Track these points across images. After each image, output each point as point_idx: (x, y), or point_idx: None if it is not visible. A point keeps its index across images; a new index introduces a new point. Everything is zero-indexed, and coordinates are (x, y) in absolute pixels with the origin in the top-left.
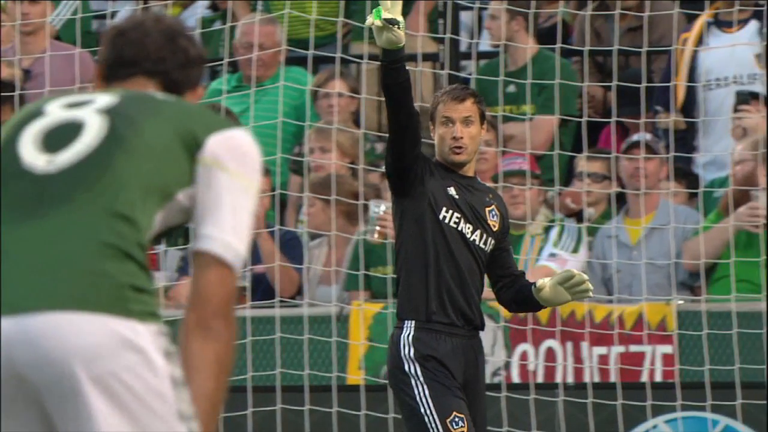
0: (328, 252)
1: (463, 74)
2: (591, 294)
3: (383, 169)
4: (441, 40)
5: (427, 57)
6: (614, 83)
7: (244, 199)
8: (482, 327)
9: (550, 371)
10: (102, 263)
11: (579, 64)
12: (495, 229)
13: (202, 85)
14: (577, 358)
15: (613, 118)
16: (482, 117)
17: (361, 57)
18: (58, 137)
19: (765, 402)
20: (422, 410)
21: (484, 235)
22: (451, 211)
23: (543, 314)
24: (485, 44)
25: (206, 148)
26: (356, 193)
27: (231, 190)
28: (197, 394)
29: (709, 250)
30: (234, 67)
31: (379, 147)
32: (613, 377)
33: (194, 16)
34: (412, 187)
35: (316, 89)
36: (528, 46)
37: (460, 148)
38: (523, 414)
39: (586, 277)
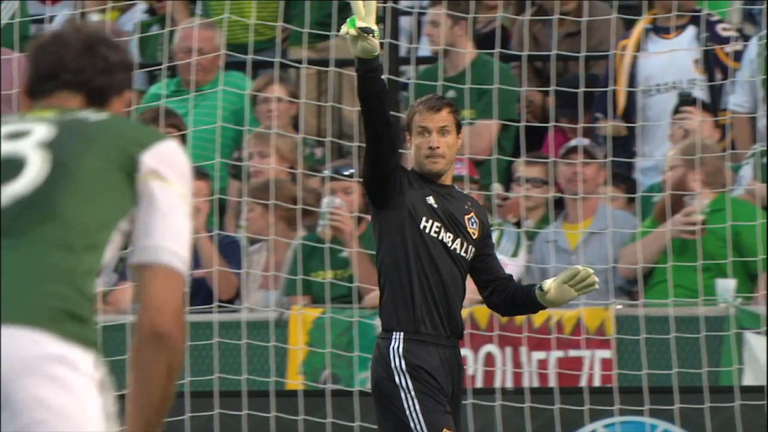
0: (268, 257)
1: (402, 79)
2: (597, 286)
3: (323, 173)
4: (380, 45)
5: None
6: (552, 88)
7: (182, 206)
8: (462, 335)
9: (489, 376)
10: (51, 288)
11: (518, 69)
12: (475, 237)
13: (131, 91)
14: (516, 363)
15: (551, 123)
16: (458, 126)
17: (300, 62)
18: (3, 171)
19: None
20: (412, 425)
21: (465, 244)
22: (431, 221)
23: (482, 319)
24: (424, 49)
25: (143, 165)
26: (295, 198)
27: (170, 200)
28: (144, 403)
29: (646, 256)
30: (173, 71)
31: (319, 152)
32: (552, 382)
33: (132, 20)
34: (391, 197)
35: (255, 94)
36: (467, 51)
37: (437, 157)
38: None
39: (591, 270)
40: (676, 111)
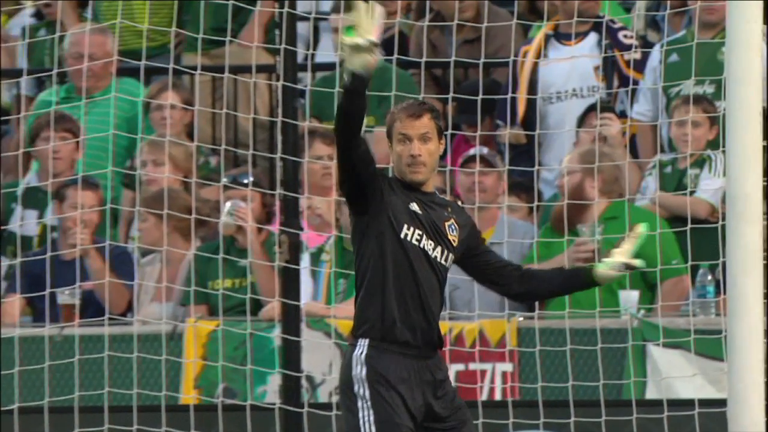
0: (161, 268)
1: (299, 86)
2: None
3: (219, 183)
4: (277, 52)
5: (263, 68)
6: (450, 95)
7: None
8: (441, 344)
9: None
10: None
11: (418, 76)
12: (455, 244)
13: None
14: None
15: (449, 131)
16: (440, 132)
17: (194, 68)
18: None
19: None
20: None
21: (445, 251)
22: (412, 228)
23: None
24: (323, 56)
25: None
26: (190, 207)
27: None
28: None
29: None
30: (64, 77)
31: (213, 160)
32: None
33: (20, 24)
34: (371, 205)
35: (148, 101)
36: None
37: (418, 165)
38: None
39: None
40: (582, 119)
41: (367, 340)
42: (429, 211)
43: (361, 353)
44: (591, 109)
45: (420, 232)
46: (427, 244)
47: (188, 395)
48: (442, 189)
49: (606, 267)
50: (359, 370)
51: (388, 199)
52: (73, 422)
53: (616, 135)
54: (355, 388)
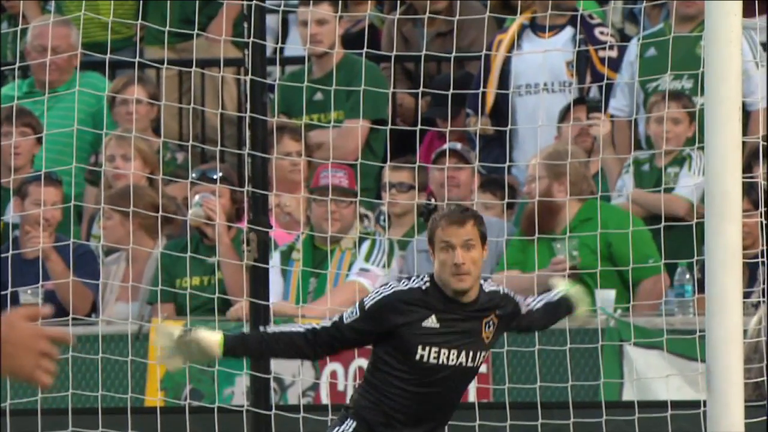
0: (126, 267)
1: (268, 80)
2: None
3: (186, 179)
4: (246, 45)
5: (231, 62)
6: (420, 90)
7: None
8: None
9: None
10: None
11: (389, 70)
12: (487, 341)
13: None
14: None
15: (418, 126)
16: (483, 238)
17: (160, 62)
18: None
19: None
20: None
21: (474, 353)
22: (428, 348)
23: None
24: (292, 50)
25: None
26: (156, 204)
27: None
28: None
29: (522, 283)
30: (25, 71)
31: (180, 156)
32: None
33: None
34: (379, 340)
35: (113, 95)
36: (334, 51)
37: (463, 275)
38: None
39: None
40: (564, 114)
41: (354, 424)
42: (456, 321)
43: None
44: (574, 104)
45: (436, 349)
46: (449, 356)
47: (153, 397)
48: (412, 185)
49: (585, 313)
50: None
51: (397, 330)
52: (36, 425)
53: (605, 135)
54: None
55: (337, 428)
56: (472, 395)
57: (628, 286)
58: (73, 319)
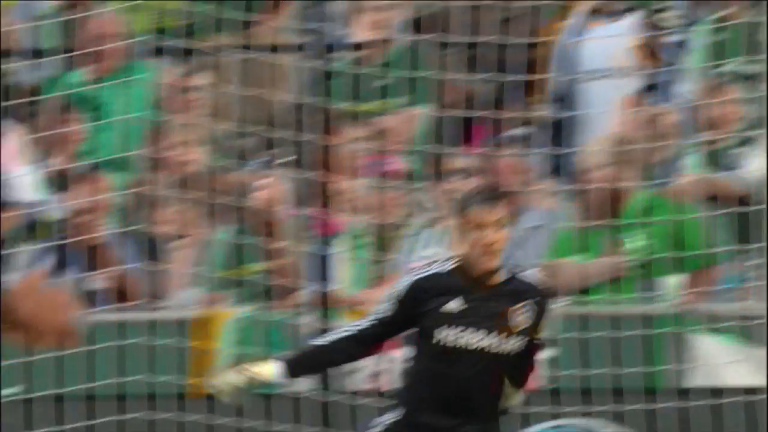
0: (188, 253)
1: (331, 67)
2: None
3: (251, 165)
4: (308, 31)
5: (294, 49)
6: (484, 75)
7: None
8: (492, 419)
9: None
10: None
11: (455, 55)
12: (518, 329)
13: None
14: None
15: (482, 112)
16: (509, 219)
17: (225, 49)
18: None
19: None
20: None
21: (501, 336)
22: (448, 331)
23: None
24: (354, 36)
25: None
26: (219, 191)
27: None
28: None
29: (582, 275)
30: (88, 58)
31: (244, 143)
32: None
33: (36, 5)
34: (409, 326)
35: (175, 83)
36: (400, 37)
37: (493, 254)
38: None
39: None
40: (630, 99)
41: (395, 414)
42: (478, 303)
43: (383, 422)
44: (640, 90)
45: (456, 332)
46: (470, 339)
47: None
48: (475, 171)
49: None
50: None
51: (420, 314)
52: (108, 409)
53: (670, 124)
54: None
55: (382, 417)
56: (541, 381)
57: (691, 272)
58: (136, 306)
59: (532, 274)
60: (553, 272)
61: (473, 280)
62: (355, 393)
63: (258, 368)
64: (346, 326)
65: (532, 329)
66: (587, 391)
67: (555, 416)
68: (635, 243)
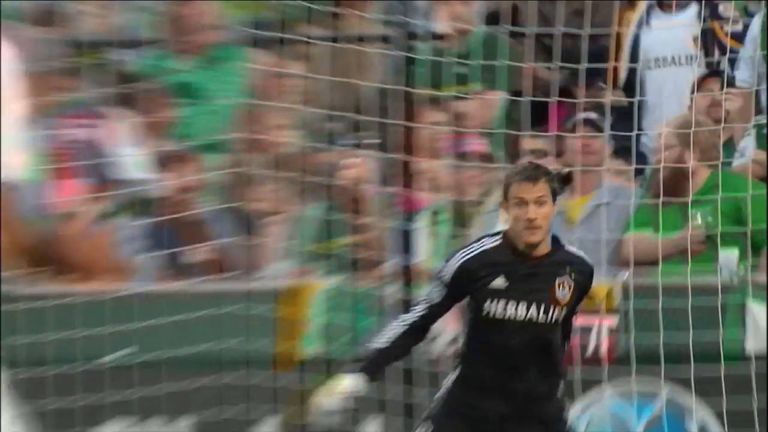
0: (282, 228)
1: (414, 55)
2: None
3: (339, 147)
4: (393, 23)
5: (379, 39)
6: (557, 63)
7: None
8: (550, 395)
9: None
10: None
11: (528, 45)
12: (563, 302)
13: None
14: None
15: (555, 98)
16: (554, 194)
17: (316, 38)
18: None
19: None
20: None
21: (548, 308)
22: (495, 302)
23: None
24: (435, 27)
25: None
26: (310, 170)
27: None
28: None
29: (650, 249)
30: (188, 47)
31: (333, 126)
32: None
33: None
34: (461, 299)
35: (269, 72)
36: (477, 28)
37: (535, 229)
38: None
39: None
40: (696, 85)
41: (457, 372)
42: (523, 276)
43: (449, 380)
44: (706, 76)
45: (503, 303)
46: (517, 310)
47: (310, 347)
48: (548, 152)
49: None
50: (439, 394)
51: (469, 292)
52: (206, 373)
53: (735, 110)
54: (427, 411)
55: (449, 377)
56: (602, 350)
57: (754, 247)
58: (233, 276)
59: (575, 249)
60: (627, 246)
61: (518, 254)
62: (435, 359)
63: (342, 386)
64: (398, 321)
65: (575, 301)
66: (651, 358)
67: (620, 384)
68: (702, 219)
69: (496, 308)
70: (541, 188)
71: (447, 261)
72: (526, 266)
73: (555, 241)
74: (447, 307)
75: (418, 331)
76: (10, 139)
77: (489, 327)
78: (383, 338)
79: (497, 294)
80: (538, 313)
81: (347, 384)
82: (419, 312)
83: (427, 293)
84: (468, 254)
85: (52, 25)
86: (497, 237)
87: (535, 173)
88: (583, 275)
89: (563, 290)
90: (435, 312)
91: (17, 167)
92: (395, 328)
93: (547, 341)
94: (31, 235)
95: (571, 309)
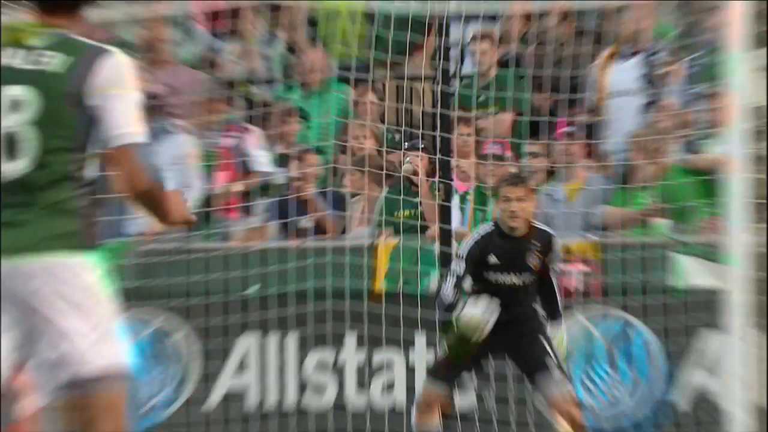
0: (363, 205)
1: (451, 89)
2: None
3: (401, 150)
4: (437, 66)
5: (428, 78)
6: (549, 93)
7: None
8: (527, 313)
9: None
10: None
11: (530, 80)
12: (532, 266)
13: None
14: None
15: (547, 117)
16: (533, 192)
17: (385, 76)
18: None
19: None
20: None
21: (523, 275)
22: (492, 273)
23: None
24: (465, 70)
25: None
26: (381, 166)
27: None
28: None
29: (617, 216)
30: (300, 82)
31: (397, 136)
32: None
33: (279, 52)
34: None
35: (356, 99)
36: (492, 69)
37: (515, 218)
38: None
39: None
40: (645, 109)
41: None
42: (509, 254)
43: (474, 237)
44: (650, 103)
45: (496, 274)
46: (505, 277)
47: (380, 286)
48: (542, 154)
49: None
50: (465, 245)
51: (478, 268)
52: (309, 304)
53: (670, 125)
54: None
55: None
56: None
57: (682, 218)
58: (331, 237)
59: (542, 225)
60: (606, 215)
61: (504, 236)
62: None
63: (478, 315)
64: (449, 286)
65: (542, 261)
66: (623, 292)
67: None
68: (645, 200)
69: (494, 277)
70: (521, 190)
71: (463, 246)
72: (510, 245)
73: (530, 225)
74: (465, 279)
75: (459, 291)
76: (133, 109)
77: (489, 287)
78: (449, 296)
79: (492, 268)
80: (519, 277)
81: (479, 311)
82: (454, 281)
83: (453, 268)
84: (472, 242)
85: (214, 68)
86: (491, 224)
87: (516, 180)
88: (545, 241)
89: (534, 259)
90: (462, 279)
91: (138, 132)
92: (450, 290)
93: (525, 290)
94: (149, 185)
95: (543, 266)
